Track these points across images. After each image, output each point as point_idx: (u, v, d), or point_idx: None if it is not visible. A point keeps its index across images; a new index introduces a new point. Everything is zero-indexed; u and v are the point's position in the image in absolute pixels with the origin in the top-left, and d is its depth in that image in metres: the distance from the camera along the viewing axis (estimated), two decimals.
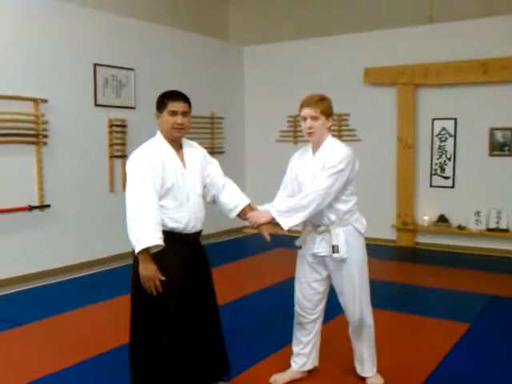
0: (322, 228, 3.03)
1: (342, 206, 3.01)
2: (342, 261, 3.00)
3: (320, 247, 3.05)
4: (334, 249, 2.98)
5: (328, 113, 3.01)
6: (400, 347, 3.77)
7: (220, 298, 3.23)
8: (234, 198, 3.09)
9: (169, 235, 2.80)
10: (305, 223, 3.11)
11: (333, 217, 3.00)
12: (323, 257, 3.06)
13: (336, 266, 3.04)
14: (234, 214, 3.10)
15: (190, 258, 2.92)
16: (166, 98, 2.88)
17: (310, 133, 3.02)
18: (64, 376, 3.36)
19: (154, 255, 2.73)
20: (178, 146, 2.95)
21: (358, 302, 3.06)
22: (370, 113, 7.56)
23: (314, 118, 2.98)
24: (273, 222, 2.96)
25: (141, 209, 2.71)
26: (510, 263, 6.44)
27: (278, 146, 8.20)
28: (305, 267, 3.14)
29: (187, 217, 2.88)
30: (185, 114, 2.89)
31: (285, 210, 2.92)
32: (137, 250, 2.69)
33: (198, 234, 3.00)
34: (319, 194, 2.88)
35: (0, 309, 4.78)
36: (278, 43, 8.28)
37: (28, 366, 3.51)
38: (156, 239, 2.68)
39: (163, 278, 2.74)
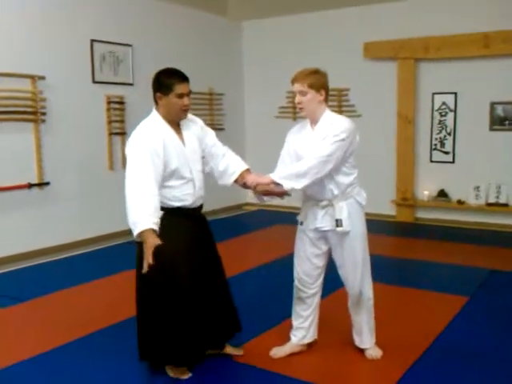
0: (325, 202, 3.03)
1: (344, 179, 3.01)
2: (345, 234, 3.01)
3: (323, 222, 3.05)
4: (338, 223, 2.99)
5: (318, 86, 2.96)
6: (399, 320, 3.80)
7: (229, 270, 3.29)
8: (232, 164, 3.14)
9: (175, 210, 2.88)
10: (306, 198, 3.12)
11: (336, 190, 3.00)
12: (325, 231, 3.06)
13: (338, 239, 3.05)
14: (232, 179, 3.14)
15: (195, 230, 3.01)
16: (172, 80, 2.84)
17: (300, 108, 3.02)
18: (68, 350, 3.40)
19: (162, 229, 2.75)
20: (176, 124, 2.95)
21: (359, 274, 3.09)
22: (370, 88, 7.50)
23: (303, 93, 2.97)
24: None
25: (139, 194, 2.72)
26: (509, 237, 6.46)
27: (278, 122, 8.15)
28: (305, 242, 3.15)
29: (192, 193, 2.95)
30: (189, 94, 2.91)
31: (285, 175, 2.92)
32: (134, 234, 2.72)
33: (201, 207, 3.08)
34: (319, 161, 2.87)
35: (1, 286, 4.81)
36: (276, 18, 8.17)
37: (31, 342, 3.54)
38: (151, 224, 2.69)
39: (159, 242, 2.68)
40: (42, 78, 5.63)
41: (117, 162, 6.53)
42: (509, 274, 4.91)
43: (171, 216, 2.84)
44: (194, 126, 3.06)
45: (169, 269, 2.80)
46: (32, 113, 5.57)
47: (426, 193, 7.28)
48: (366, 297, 3.16)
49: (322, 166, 2.87)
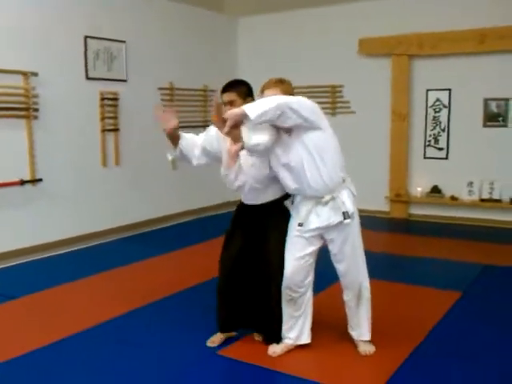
0: (328, 197, 3.01)
1: (336, 170, 3.02)
2: (347, 225, 3.04)
3: (330, 217, 3.03)
4: (345, 215, 3.00)
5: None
6: (392, 316, 3.81)
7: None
8: None
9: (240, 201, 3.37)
10: (305, 198, 3.08)
11: (333, 183, 3.00)
12: (326, 227, 3.06)
13: (339, 232, 3.06)
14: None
15: (246, 224, 3.29)
16: (221, 90, 3.23)
17: None
18: (60, 347, 3.40)
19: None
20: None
21: (361, 265, 3.14)
22: (364, 84, 7.50)
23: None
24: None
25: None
26: (502, 233, 6.49)
27: None
28: (301, 242, 3.12)
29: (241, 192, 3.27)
30: (231, 102, 3.14)
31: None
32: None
33: (258, 205, 3.25)
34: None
35: None
36: (272, 14, 8.15)
37: (22, 338, 3.53)
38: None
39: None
40: (35, 74, 5.59)
41: (110, 159, 6.50)
42: (501, 270, 4.94)
43: (239, 205, 3.35)
44: None
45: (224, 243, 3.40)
46: (24, 109, 5.54)
47: (419, 189, 7.29)
48: (365, 287, 3.19)
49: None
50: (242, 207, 3.36)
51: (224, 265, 3.35)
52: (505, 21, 6.48)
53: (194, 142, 3.29)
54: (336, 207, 3.02)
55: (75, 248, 5.92)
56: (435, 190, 7.19)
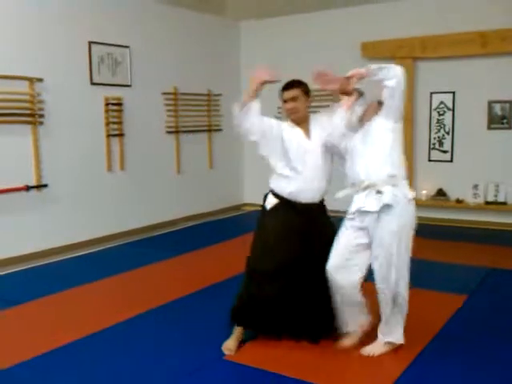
0: (366, 183, 3.11)
1: (393, 167, 3.20)
2: (387, 222, 3.06)
3: (365, 203, 3.10)
4: (384, 207, 3.06)
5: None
6: None
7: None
8: None
9: (284, 199, 3.31)
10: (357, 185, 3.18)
11: (374, 175, 3.11)
12: (367, 215, 3.10)
13: (375, 228, 3.10)
14: None
15: (296, 223, 3.28)
16: (282, 88, 3.36)
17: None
18: (62, 353, 3.41)
19: (272, 211, 3.37)
20: (304, 124, 3.36)
21: (393, 272, 3.12)
22: (369, 88, 7.47)
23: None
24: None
25: None
26: (507, 236, 6.47)
27: None
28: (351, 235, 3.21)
29: (296, 188, 3.27)
30: (294, 99, 3.32)
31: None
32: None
33: (312, 204, 3.31)
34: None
35: None
36: (274, 18, 8.17)
37: (27, 344, 3.54)
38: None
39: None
40: (40, 80, 5.63)
41: (115, 164, 6.53)
42: (507, 272, 4.92)
43: (282, 203, 3.30)
44: (323, 119, 3.42)
45: (263, 242, 3.36)
46: (30, 115, 5.57)
47: (424, 192, 7.28)
48: (402, 296, 3.20)
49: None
50: (287, 209, 3.32)
51: (280, 272, 3.27)
52: (506, 23, 6.48)
53: (259, 111, 3.31)
54: (372, 197, 3.08)
55: (80, 253, 5.94)
56: (440, 193, 7.18)
